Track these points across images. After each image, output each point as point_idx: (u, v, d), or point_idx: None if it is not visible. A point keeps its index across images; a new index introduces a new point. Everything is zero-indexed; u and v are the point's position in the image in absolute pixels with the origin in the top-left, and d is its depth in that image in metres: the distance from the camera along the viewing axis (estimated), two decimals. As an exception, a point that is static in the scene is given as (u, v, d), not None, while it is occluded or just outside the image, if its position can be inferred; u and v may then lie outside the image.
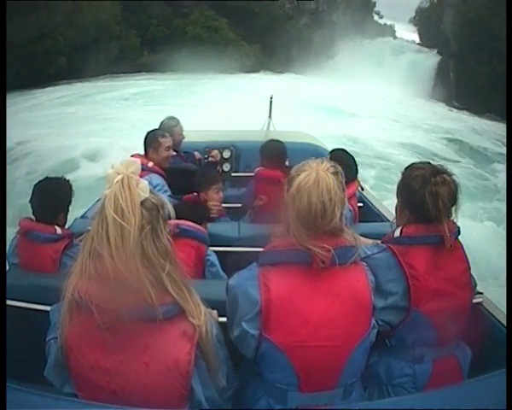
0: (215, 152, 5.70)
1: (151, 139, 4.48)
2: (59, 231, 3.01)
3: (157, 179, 4.17)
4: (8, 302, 2.34)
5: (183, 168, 4.91)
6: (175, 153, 4.97)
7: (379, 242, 2.35)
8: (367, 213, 4.62)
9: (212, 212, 4.05)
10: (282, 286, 1.84)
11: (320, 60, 35.87)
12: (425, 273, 2.11)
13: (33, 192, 3.08)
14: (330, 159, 3.85)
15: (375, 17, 45.60)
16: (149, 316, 1.56)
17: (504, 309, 2.47)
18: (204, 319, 1.65)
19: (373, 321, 1.94)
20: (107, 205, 1.56)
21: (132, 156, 4.14)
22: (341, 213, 1.88)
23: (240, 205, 4.78)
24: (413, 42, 41.41)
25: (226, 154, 5.75)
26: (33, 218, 3.06)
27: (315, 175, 1.85)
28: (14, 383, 1.46)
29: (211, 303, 1.83)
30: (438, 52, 35.12)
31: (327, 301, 1.84)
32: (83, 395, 1.63)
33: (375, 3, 45.36)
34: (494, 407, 1.43)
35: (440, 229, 2.13)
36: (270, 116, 7.39)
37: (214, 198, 4.21)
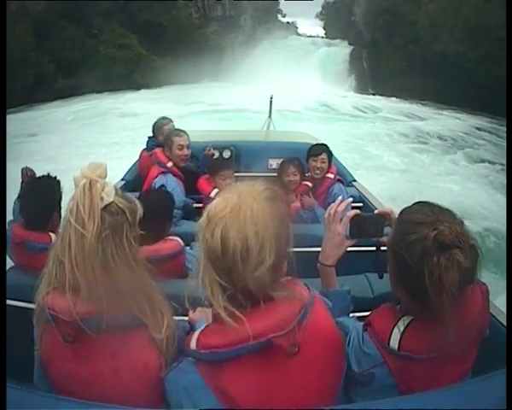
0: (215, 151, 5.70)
1: (166, 138, 4.73)
2: (54, 238, 2.81)
3: (172, 181, 4.37)
4: (8, 302, 2.34)
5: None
6: None
7: None
8: (367, 212, 4.42)
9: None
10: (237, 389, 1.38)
11: (231, 65, 35.94)
12: (422, 388, 1.61)
13: (21, 200, 3.05)
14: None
15: (279, 16, 46.34)
16: (106, 325, 1.52)
17: (504, 309, 2.40)
18: (167, 332, 1.59)
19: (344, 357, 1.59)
20: (67, 211, 1.57)
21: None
22: (276, 262, 1.35)
23: None
24: (317, 36, 42.61)
25: (226, 154, 5.58)
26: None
27: (236, 199, 1.35)
28: (14, 383, 1.45)
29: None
30: (349, 43, 36.17)
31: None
32: None
33: (279, 3, 46.05)
34: (494, 407, 1.39)
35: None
36: (270, 116, 7.49)
37: (220, 185, 4.30)
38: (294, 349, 1.37)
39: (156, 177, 4.44)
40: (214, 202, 1.38)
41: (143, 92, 29.93)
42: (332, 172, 4.66)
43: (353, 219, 1.93)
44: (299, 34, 44.84)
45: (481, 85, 24.40)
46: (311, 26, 45.92)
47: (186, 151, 4.63)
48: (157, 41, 34.63)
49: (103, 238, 1.54)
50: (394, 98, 28.70)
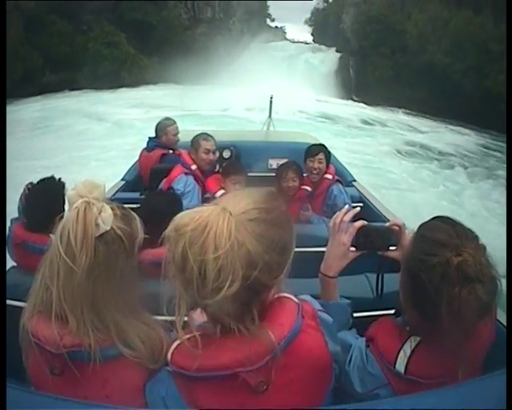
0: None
1: (193, 140, 4.63)
2: None
3: (191, 183, 4.36)
4: (8, 302, 2.31)
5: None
6: (171, 151, 5.32)
7: None
8: (367, 213, 4.39)
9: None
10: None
11: (217, 68, 35.90)
12: None
13: (22, 203, 2.95)
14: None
15: (268, 21, 46.59)
16: (93, 359, 1.46)
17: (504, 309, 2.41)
18: (160, 366, 1.46)
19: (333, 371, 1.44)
20: (58, 235, 1.45)
21: (180, 153, 4.75)
22: (243, 292, 1.20)
23: None
24: (305, 42, 42.89)
25: (226, 154, 5.55)
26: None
27: (205, 216, 1.20)
28: (14, 383, 1.41)
29: None
30: (336, 50, 36.47)
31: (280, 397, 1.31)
32: None
33: (268, 7, 46.28)
34: (494, 407, 1.36)
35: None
36: (270, 116, 7.48)
37: (229, 188, 4.31)
38: (262, 387, 1.24)
39: (177, 176, 4.43)
40: (184, 213, 1.24)
41: (123, 91, 29.74)
42: (330, 173, 4.62)
43: (360, 230, 1.82)
44: (287, 39, 45.09)
45: (467, 97, 24.76)
46: (300, 32, 46.34)
47: (212, 156, 4.61)
48: (145, 40, 34.65)
49: (95, 276, 1.43)
50: (394, 109, 28.72)
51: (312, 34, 44.22)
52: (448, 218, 1.55)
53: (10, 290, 2.29)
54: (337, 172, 4.85)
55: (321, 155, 4.51)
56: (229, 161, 4.91)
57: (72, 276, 1.41)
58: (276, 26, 47.23)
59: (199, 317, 1.57)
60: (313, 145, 4.71)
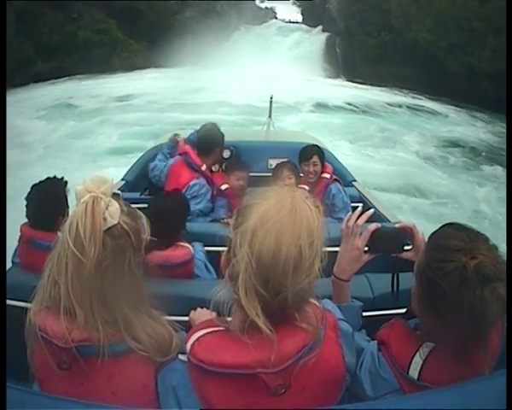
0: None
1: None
2: None
3: (204, 187, 4.49)
4: (8, 302, 2.31)
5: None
6: None
7: None
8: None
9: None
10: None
11: (206, 50, 35.82)
12: None
13: (26, 205, 3.00)
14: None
15: (257, 1, 46.00)
16: (102, 354, 1.48)
17: None
18: (172, 356, 1.48)
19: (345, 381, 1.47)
20: (66, 229, 1.46)
21: (187, 152, 4.65)
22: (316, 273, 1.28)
23: None
24: (296, 22, 42.65)
25: (226, 154, 5.49)
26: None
27: (290, 203, 1.24)
28: (14, 383, 1.39)
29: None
30: (323, 30, 36.59)
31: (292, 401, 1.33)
32: None
33: (257, -12, 45.68)
34: (494, 407, 1.34)
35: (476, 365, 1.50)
36: (270, 116, 7.45)
37: (233, 184, 4.55)
38: (281, 390, 1.28)
39: (190, 181, 4.47)
40: (265, 203, 1.25)
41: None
42: (328, 172, 4.64)
43: (373, 233, 1.81)
44: (276, 19, 44.58)
45: (452, 74, 25.22)
46: (290, 12, 45.66)
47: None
48: (134, 25, 34.37)
49: (104, 268, 1.45)
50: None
51: (302, 14, 43.88)
52: (458, 224, 1.54)
53: (10, 290, 2.29)
54: (337, 172, 4.92)
55: (315, 158, 4.54)
56: (232, 159, 5.01)
57: (81, 269, 1.42)
58: (266, 7, 46.58)
59: (199, 317, 1.79)
60: (306, 148, 4.71)
